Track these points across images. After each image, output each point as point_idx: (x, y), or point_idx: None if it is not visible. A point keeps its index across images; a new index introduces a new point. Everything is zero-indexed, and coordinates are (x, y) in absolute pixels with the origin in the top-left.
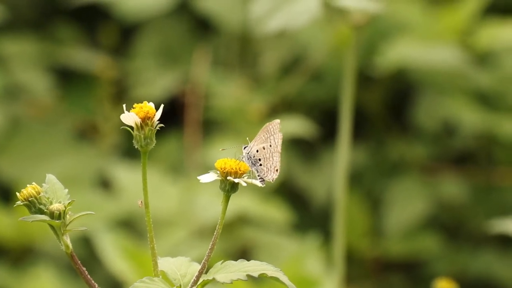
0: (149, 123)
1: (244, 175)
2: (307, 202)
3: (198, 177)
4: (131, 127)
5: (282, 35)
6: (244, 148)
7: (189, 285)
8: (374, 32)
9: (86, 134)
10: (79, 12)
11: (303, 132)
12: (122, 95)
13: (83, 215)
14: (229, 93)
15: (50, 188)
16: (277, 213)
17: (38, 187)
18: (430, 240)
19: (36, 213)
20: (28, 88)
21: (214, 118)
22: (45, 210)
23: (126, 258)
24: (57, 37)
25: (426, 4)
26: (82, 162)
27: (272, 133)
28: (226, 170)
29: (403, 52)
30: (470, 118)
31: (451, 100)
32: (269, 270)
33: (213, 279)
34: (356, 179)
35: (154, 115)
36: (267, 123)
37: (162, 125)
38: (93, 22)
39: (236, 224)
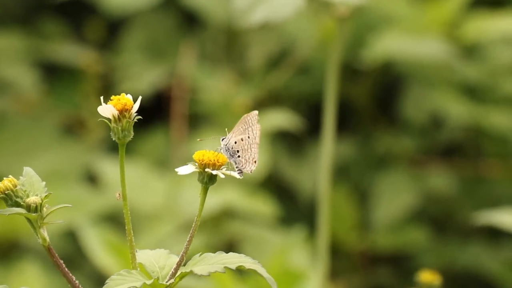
0: (127, 115)
1: (222, 167)
2: (294, 196)
3: (176, 169)
4: (109, 120)
5: (268, 29)
6: (222, 139)
7: (167, 277)
8: (360, 25)
9: (73, 129)
10: (66, 7)
11: (290, 126)
12: (109, 90)
13: (60, 207)
14: (216, 87)
15: (27, 181)
16: (263, 206)
17: (15, 180)
18: (417, 233)
19: (12, 206)
20: (14, 83)
21: (200, 112)
22: (22, 203)
23: (111, 253)
24: (43, 32)
25: None
26: (68, 157)
27: (250, 124)
28: (204, 162)
29: (390, 45)
30: (457, 111)
31: (439, 92)
32: (247, 262)
33: (191, 271)
34: (343, 172)
35: (132, 107)
36: (245, 114)
37: (140, 117)
38: (79, 17)
39: (222, 218)
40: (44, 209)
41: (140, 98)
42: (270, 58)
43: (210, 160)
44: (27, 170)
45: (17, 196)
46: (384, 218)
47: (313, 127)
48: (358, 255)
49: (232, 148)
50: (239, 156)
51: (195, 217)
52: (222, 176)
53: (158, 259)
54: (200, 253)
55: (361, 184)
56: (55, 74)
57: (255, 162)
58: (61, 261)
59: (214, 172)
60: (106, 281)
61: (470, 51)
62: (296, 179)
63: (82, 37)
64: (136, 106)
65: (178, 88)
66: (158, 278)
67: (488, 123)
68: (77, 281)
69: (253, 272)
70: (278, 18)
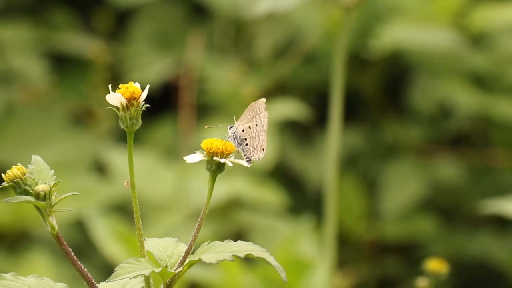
0: (135, 103)
1: (230, 155)
2: (302, 185)
3: (184, 157)
4: (117, 108)
5: (276, 19)
6: (230, 128)
7: (176, 265)
8: (368, 15)
9: (81, 119)
10: None
11: (297, 115)
12: (117, 80)
13: (69, 196)
14: (224, 77)
15: (36, 169)
16: (271, 196)
17: (23, 168)
18: (426, 222)
19: (21, 194)
20: (23, 73)
21: (208, 102)
22: (31, 191)
23: (119, 242)
24: (52, 22)
25: None
26: (77, 147)
27: (258, 112)
28: (212, 150)
29: (397, 35)
30: (465, 100)
31: (446, 82)
32: (255, 250)
33: (199, 259)
34: (351, 162)
35: (140, 95)
36: (252, 102)
37: (148, 105)
38: (88, 8)
39: (230, 207)
40: (53, 197)
41: (148, 86)
42: (277, 48)
43: (218, 149)
44: (36, 158)
45: (25, 184)
46: (392, 208)
47: (321, 117)
48: (366, 245)
49: (240, 136)
50: (247, 144)
51: (203, 206)
52: (230, 164)
53: (166, 247)
54: (208, 241)
55: (369, 174)
56: (63, 65)
57: (263, 149)
58: (70, 249)
59: (222, 161)
60: (115, 269)
61: (478, 40)
62: (304, 169)
63: (91, 28)
64: (144, 94)
65: (186, 78)
66: (166, 266)
67: (496, 112)
68: (85, 269)
69: (261, 260)
70: (283, 8)
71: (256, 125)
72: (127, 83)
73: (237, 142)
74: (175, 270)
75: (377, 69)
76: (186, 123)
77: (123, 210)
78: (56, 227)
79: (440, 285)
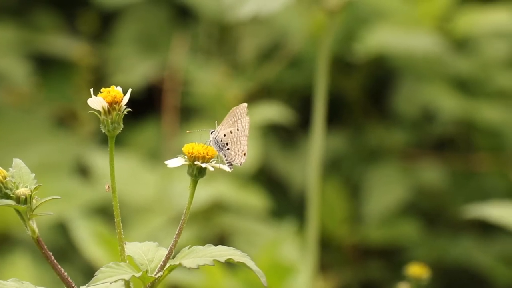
0: (117, 107)
1: (211, 160)
2: (285, 189)
3: (166, 162)
4: (99, 112)
5: (260, 22)
6: (211, 132)
7: (156, 270)
8: (353, 19)
9: (65, 121)
10: None
11: (281, 119)
12: (101, 82)
13: (50, 200)
14: (208, 79)
15: (17, 172)
16: (254, 199)
17: (4, 171)
18: (409, 226)
19: (2, 197)
20: (7, 75)
21: (192, 105)
22: (11, 195)
23: (101, 245)
24: (36, 24)
25: None
26: (60, 149)
27: (240, 117)
28: (194, 154)
29: (381, 39)
30: (449, 104)
31: (430, 86)
32: (236, 255)
33: (180, 264)
34: (335, 166)
35: (122, 99)
36: (234, 107)
37: (130, 109)
38: (72, 9)
39: (213, 210)
40: (34, 201)
41: (129, 90)
42: (262, 51)
43: (200, 153)
44: (17, 161)
45: (6, 188)
46: (375, 212)
47: (305, 120)
48: (349, 249)
49: (221, 141)
50: (228, 149)
51: (184, 211)
52: (212, 169)
53: (147, 251)
54: (189, 246)
55: (353, 178)
56: (47, 66)
57: (244, 154)
58: (50, 253)
59: (203, 165)
60: (95, 274)
61: (462, 44)
62: (287, 172)
63: (75, 30)
64: (126, 98)
65: (170, 80)
66: (147, 271)
67: (480, 116)
68: (65, 273)
69: (243, 265)
70: (267, 11)
71: (238, 129)
72: (111, 85)
73: (219, 146)
74: (155, 274)
75: (361, 73)
76: (170, 126)
77: (105, 213)
78: (37, 231)
79: None
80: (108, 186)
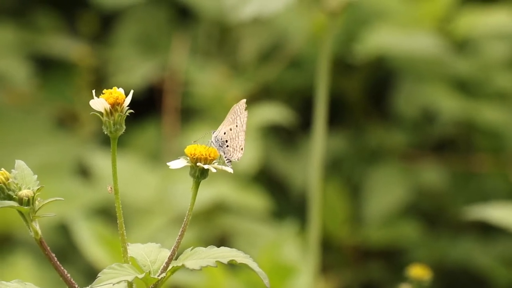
0: (119, 109)
1: (214, 161)
2: (286, 190)
3: (168, 163)
4: (101, 113)
5: (260, 23)
6: (213, 132)
7: (159, 271)
8: (353, 19)
9: (65, 122)
10: (58, 0)
11: (282, 120)
12: (101, 83)
13: (52, 201)
14: (208, 80)
15: (19, 174)
16: (255, 200)
17: (7, 173)
18: (409, 227)
19: (5, 199)
20: (7, 76)
21: (192, 106)
22: (14, 196)
23: (103, 246)
24: (36, 25)
25: None
26: (61, 150)
27: (239, 113)
28: (196, 156)
29: (382, 40)
30: (449, 105)
31: (431, 87)
32: (239, 256)
33: (183, 265)
34: (335, 167)
35: (124, 100)
36: (234, 105)
37: (131, 111)
38: (72, 10)
39: (214, 212)
40: (36, 202)
41: (132, 92)
42: (262, 52)
43: (202, 155)
44: (19, 163)
45: (9, 189)
46: (375, 213)
47: (305, 121)
48: (350, 249)
49: (221, 139)
50: (227, 146)
51: (187, 212)
52: (214, 170)
53: (149, 253)
54: (192, 247)
55: (353, 178)
56: (47, 67)
57: (241, 149)
58: (53, 254)
59: (205, 167)
60: (98, 275)
61: (462, 45)
62: (288, 173)
63: (75, 31)
64: (128, 99)
65: (171, 81)
66: (149, 272)
67: (480, 117)
68: (68, 274)
69: (245, 266)
70: (269, 12)
71: (237, 126)
72: (112, 86)
73: (219, 145)
74: (158, 276)
75: (361, 74)
76: (170, 127)
77: (106, 213)
78: (40, 232)
79: None
80: (111, 188)
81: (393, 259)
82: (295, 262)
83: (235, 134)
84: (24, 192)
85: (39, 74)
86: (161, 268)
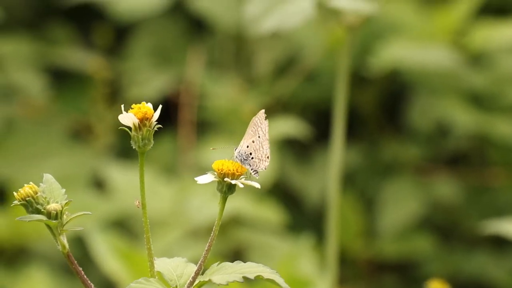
0: (147, 123)
1: (241, 176)
2: (301, 203)
3: (196, 178)
4: (129, 128)
5: (277, 36)
6: (235, 149)
7: (185, 286)
8: (368, 33)
9: (80, 134)
10: (73, 12)
11: (297, 133)
12: (116, 96)
13: (80, 215)
14: (224, 93)
15: (47, 188)
16: (270, 213)
17: (36, 186)
18: (423, 241)
19: (33, 213)
20: (22, 88)
21: (208, 119)
22: (42, 210)
23: (119, 258)
24: (51, 37)
25: (419, 5)
26: (76, 162)
27: (259, 124)
28: (224, 171)
29: (397, 53)
30: (463, 119)
31: (445, 100)
32: (266, 272)
33: (209, 280)
34: (349, 180)
35: (152, 115)
36: (253, 117)
37: (160, 125)
38: (87, 23)
39: (229, 225)
40: (64, 216)
41: (160, 107)
42: (278, 65)
43: (229, 170)
44: (47, 177)
45: (37, 203)
46: (390, 226)
47: (320, 134)
48: (364, 263)
49: (245, 153)
50: (252, 158)
51: (214, 226)
52: (241, 185)
53: (176, 267)
54: (218, 262)
55: (367, 192)
56: (63, 80)
57: (267, 158)
58: (80, 268)
59: (233, 182)
60: None
61: (477, 59)
62: (303, 186)
63: (90, 43)
64: (157, 114)
65: (186, 94)
66: (176, 287)
67: (494, 131)
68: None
69: (270, 281)
70: (288, 27)
71: (259, 137)
72: (127, 98)
73: (243, 158)
74: None
75: (376, 87)
76: (186, 139)
77: (121, 226)
78: (67, 246)
79: None
80: (138, 202)
81: (407, 272)
82: (311, 276)
83: (258, 145)
84: (53, 206)
85: (54, 86)
86: (187, 283)
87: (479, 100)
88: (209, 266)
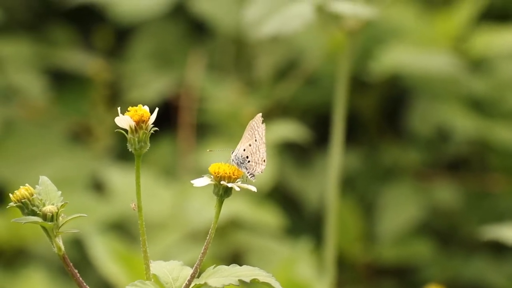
0: (144, 126)
1: (237, 180)
2: (300, 207)
3: (192, 181)
4: (126, 130)
5: (277, 40)
6: (232, 152)
7: None
8: (368, 37)
9: (80, 136)
10: (74, 14)
11: (297, 137)
12: (116, 98)
13: (76, 217)
14: (224, 96)
15: (43, 189)
16: (269, 217)
17: (31, 188)
18: (422, 246)
19: (29, 214)
20: (22, 90)
21: (208, 122)
22: (38, 212)
23: (117, 261)
24: (51, 39)
25: (420, 10)
26: (75, 164)
27: (256, 128)
28: (220, 174)
29: (397, 58)
30: (463, 124)
31: (445, 106)
32: (261, 275)
33: (205, 283)
34: (349, 184)
35: (149, 118)
36: (250, 121)
37: (156, 128)
38: (87, 24)
39: (228, 228)
40: (60, 218)
41: (156, 109)
42: (278, 68)
43: (226, 173)
44: (43, 179)
45: (33, 205)
46: (389, 231)
47: (320, 138)
48: (363, 267)
49: (241, 156)
50: (249, 161)
51: (210, 229)
52: (238, 189)
53: (171, 270)
54: (214, 265)
55: (367, 196)
56: (63, 82)
57: (264, 161)
58: (76, 271)
59: (229, 185)
60: None
61: (477, 65)
62: (302, 190)
63: (90, 45)
64: (153, 117)
65: (186, 97)
66: None
67: (494, 137)
68: None
69: (266, 285)
70: (288, 31)
71: (256, 140)
72: (127, 101)
73: (240, 162)
74: None
75: (376, 92)
76: (185, 142)
77: (120, 228)
78: (63, 248)
79: None
80: (134, 204)
81: (406, 277)
82: (310, 280)
83: (255, 148)
84: (48, 208)
85: (54, 88)
86: (183, 286)
87: (479, 106)
88: (205, 269)
